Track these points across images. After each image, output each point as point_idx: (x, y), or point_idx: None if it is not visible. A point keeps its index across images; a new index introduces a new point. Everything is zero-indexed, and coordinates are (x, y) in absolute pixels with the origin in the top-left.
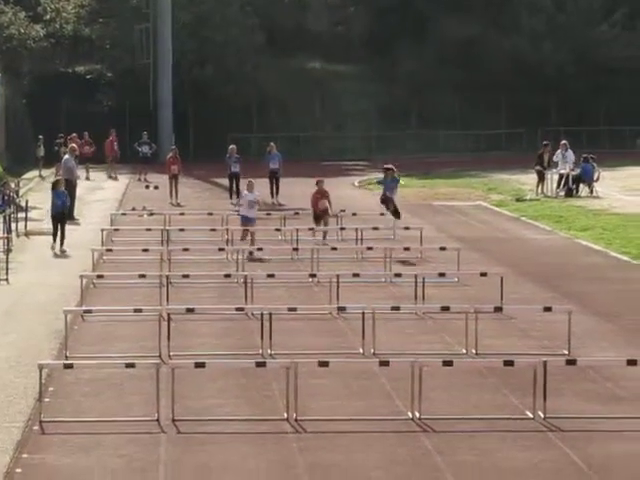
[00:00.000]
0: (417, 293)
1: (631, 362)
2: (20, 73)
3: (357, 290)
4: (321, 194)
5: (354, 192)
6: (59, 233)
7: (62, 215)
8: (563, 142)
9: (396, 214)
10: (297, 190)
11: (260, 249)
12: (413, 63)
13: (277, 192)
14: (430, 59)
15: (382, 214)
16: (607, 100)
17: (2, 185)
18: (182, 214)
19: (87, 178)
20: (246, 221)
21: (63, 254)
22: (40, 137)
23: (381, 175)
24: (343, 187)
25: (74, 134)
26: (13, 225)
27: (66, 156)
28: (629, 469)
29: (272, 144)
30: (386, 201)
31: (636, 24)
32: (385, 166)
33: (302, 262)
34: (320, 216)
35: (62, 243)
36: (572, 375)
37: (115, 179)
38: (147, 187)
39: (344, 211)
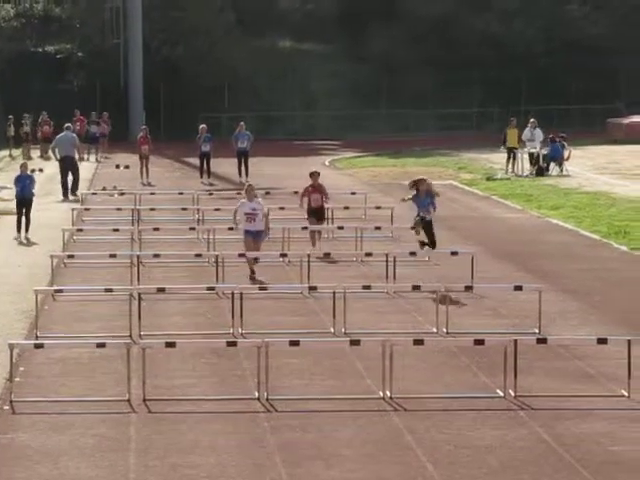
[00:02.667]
0: (388, 272)
1: (601, 341)
2: None
3: (328, 270)
4: (314, 188)
5: (325, 171)
6: (23, 219)
7: (25, 201)
8: (532, 120)
9: (432, 243)
10: (267, 169)
11: (253, 277)
12: (384, 42)
13: (247, 172)
14: (401, 38)
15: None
16: (577, 79)
17: None
18: (153, 194)
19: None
20: (249, 236)
21: (28, 241)
22: (10, 117)
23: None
24: (313, 166)
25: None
26: None
27: (63, 133)
28: (599, 447)
29: (242, 123)
30: (421, 226)
31: (605, 2)
32: (415, 179)
33: (274, 242)
34: (315, 213)
35: (27, 229)
36: (543, 354)
37: (84, 160)
38: (117, 167)
39: None
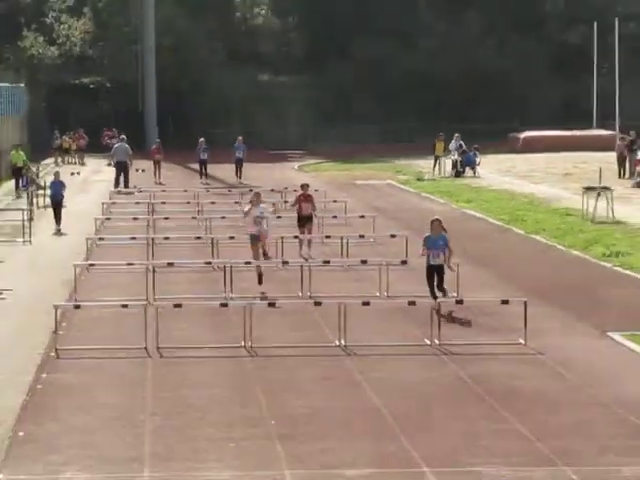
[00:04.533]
0: (343, 250)
1: (504, 302)
2: (40, 84)
3: (297, 249)
4: (305, 197)
5: (293, 173)
6: (57, 218)
7: (57, 201)
8: (457, 135)
9: (441, 288)
10: (252, 172)
11: (261, 286)
12: (338, 75)
13: (241, 175)
14: (352, 71)
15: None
16: (487, 103)
17: (26, 169)
18: (164, 191)
19: (82, 164)
20: (255, 240)
21: (59, 232)
22: (56, 131)
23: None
24: (285, 170)
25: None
26: (34, 200)
27: (117, 143)
28: (502, 382)
29: (240, 137)
30: (433, 272)
31: (505, 45)
32: (433, 219)
33: (268, 246)
34: (304, 220)
35: (59, 222)
36: (460, 312)
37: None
38: (137, 170)
39: (282, 191)
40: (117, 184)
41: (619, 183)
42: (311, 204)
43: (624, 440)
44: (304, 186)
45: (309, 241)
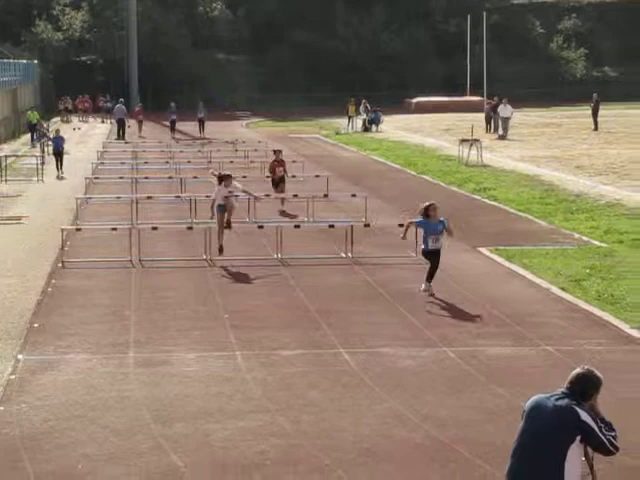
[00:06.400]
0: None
1: (400, 225)
2: (48, 61)
3: (247, 185)
4: (278, 162)
5: (243, 129)
6: (59, 164)
7: (58, 152)
8: (364, 100)
9: (431, 277)
10: (211, 128)
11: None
12: (277, 54)
13: (203, 131)
14: (286, 52)
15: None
16: (387, 76)
17: (39, 125)
18: (144, 142)
19: (85, 122)
20: (222, 210)
21: (61, 178)
22: (67, 97)
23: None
24: (236, 127)
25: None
26: (45, 149)
27: (117, 105)
28: (398, 285)
29: (201, 102)
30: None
31: (402, 32)
32: (425, 205)
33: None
34: (277, 182)
35: (61, 168)
36: (367, 233)
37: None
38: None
39: (234, 142)
40: (119, 136)
41: (486, 136)
42: (283, 168)
43: (489, 328)
44: (277, 152)
45: (282, 199)
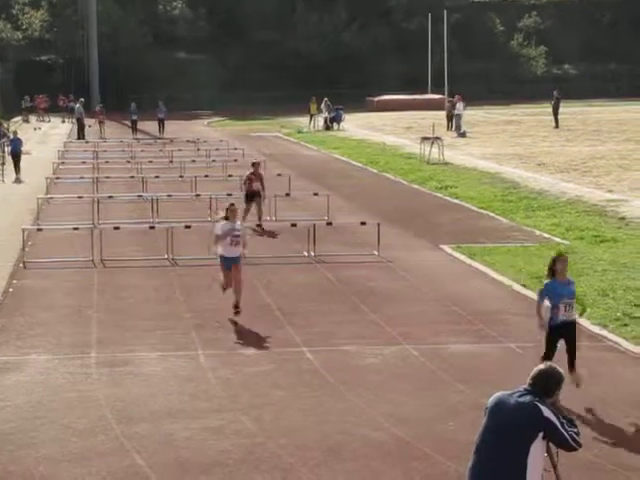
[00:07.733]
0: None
1: (363, 223)
2: (8, 60)
3: (209, 184)
4: (256, 176)
5: (204, 128)
6: (17, 168)
7: (16, 154)
8: (325, 99)
9: (573, 366)
10: (172, 127)
11: (237, 311)
12: (237, 53)
13: (163, 130)
14: (246, 50)
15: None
16: (349, 75)
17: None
18: (105, 142)
19: (45, 121)
20: (227, 263)
21: (18, 180)
22: (26, 96)
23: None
24: (197, 126)
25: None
26: (5, 149)
27: (77, 105)
28: (361, 283)
29: (160, 102)
30: (560, 334)
31: (363, 31)
32: (553, 257)
33: (185, 183)
34: (252, 196)
35: (19, 172)
36: (329, 231)
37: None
38: (89, 126)
39: (195, 141)
40: (79, 136)
41: (447, 134)
42: (261, 182)
43: (450, 325)
44: (255, 164)
45: (259, 217)
